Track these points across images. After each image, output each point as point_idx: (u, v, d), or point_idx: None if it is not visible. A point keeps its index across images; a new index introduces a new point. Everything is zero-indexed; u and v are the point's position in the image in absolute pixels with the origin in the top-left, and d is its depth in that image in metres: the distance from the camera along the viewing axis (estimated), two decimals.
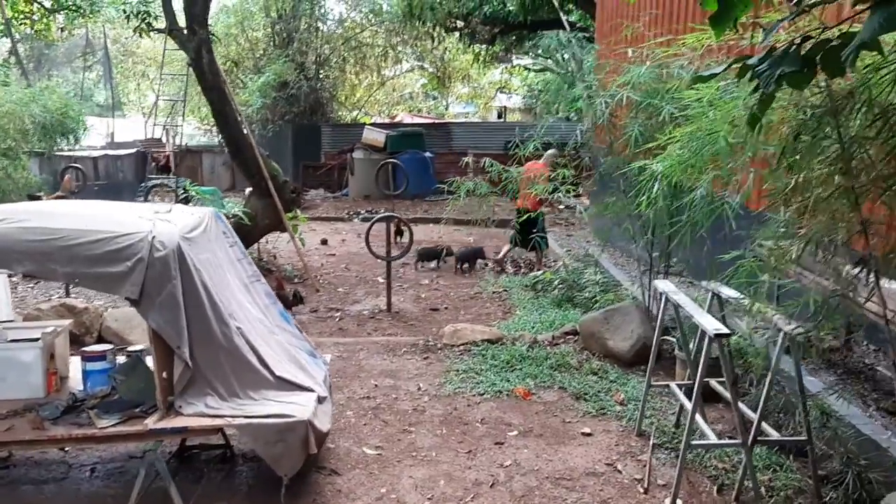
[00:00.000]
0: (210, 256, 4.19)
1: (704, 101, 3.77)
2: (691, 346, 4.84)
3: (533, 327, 7.44)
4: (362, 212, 16.27)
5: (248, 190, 9.88)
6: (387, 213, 8.78)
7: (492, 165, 7.75)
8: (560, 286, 8.36)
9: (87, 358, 4.39)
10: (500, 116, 34.28)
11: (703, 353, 4.04)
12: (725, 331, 3.87)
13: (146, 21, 10.57)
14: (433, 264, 10.66)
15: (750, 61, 2.59)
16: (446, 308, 8.60)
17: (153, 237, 3.85)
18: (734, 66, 2.67)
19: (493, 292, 9.24)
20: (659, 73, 5.95)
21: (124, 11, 10.64)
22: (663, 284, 4.81)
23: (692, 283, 7.86)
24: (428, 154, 18.80)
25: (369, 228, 8.62)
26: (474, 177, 8.54)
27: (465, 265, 10.51)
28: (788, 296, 3.84)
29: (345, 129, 22.41)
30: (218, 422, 3.93)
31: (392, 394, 5.88)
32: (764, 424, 4.30)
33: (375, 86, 28.19)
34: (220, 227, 4.63)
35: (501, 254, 10.53)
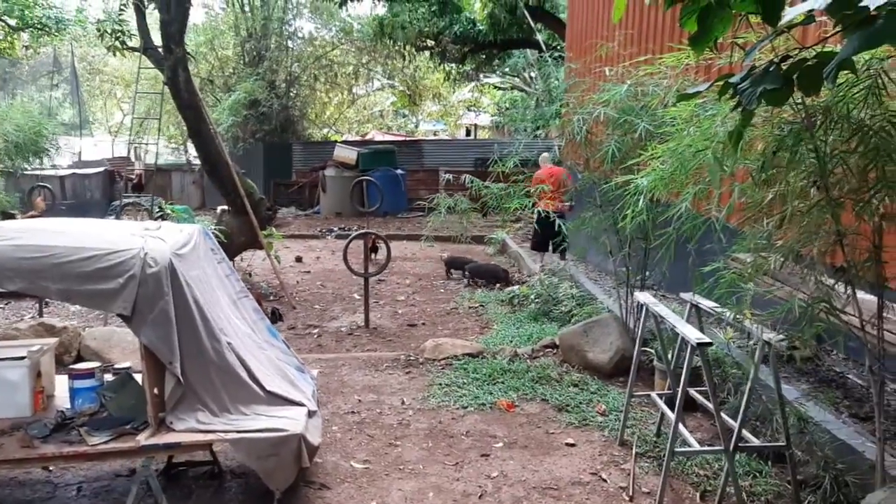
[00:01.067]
0: (200, 273, 4.18)
1: (683, 118, 3.83)
2: (670, 356, 4.88)
3: (511, 341, 7.42)
4: (335, 229, 16.22)
5: (221, 208, 9.80)
6: (363, 230, 8.74)
7: (472, 182, 7.73)
8: (536, 300, 8.36)
9: (74, 376, 4.34)
10: (468, 134, 34.43)
11: (686, 362, 4.10)
12: (707, 340, 3.91)
13: (120, 39, 10.50)
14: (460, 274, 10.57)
15: (732, 79, 2.64)
16: (423, 324, 8.55)
17: (145, 254, 3.85)
18: (717, 83, 2.73)
19: (470, 307, 9.22)
20: (635, 90, 6.01)
21: (98, 30, 10.55)
22: (643, 296, 4.85)
23: (665, 296, 7.88)
24: (399, 171, 18.88)
25: (347, 245, 8.51)
26: (447, 195, 8.53)
27: (480, 281, 10.33)
28: (764, 306, 3.90)
29: (316, 146, 22.42)
30: (210, 437, 3.92)
31: (376, 408, 5.86)
32: (744, 431, 4.37)
33: (346, 104, 28.31)
34: (209, 243, 4.61)
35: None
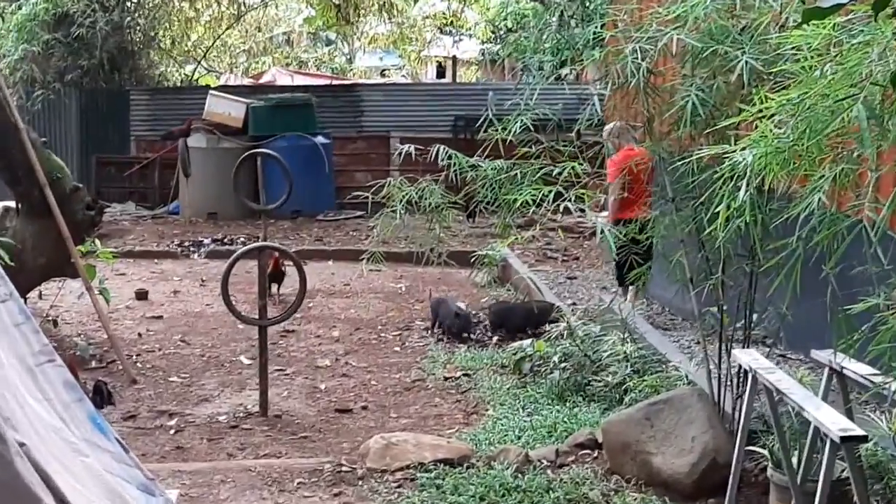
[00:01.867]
0: None
1: (813, 48, 3.13)
2: (796, 459, 4.32)
3: (519, 437, 5.81)
4: (207, 241, 12.50)
5: (4, 205, 8.15)
6: (258, 243, 6.66)
7: (450, 158, 5.53)
8: (563, 365, 6.61)
9: None
10: (441, 74, 25.34)
11: (824, 468, 3.54)
12: (859, 432, 3.45)
13: None
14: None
15: None
16: (365, 408, 6.76)
17: None
18: None
19: (446, 378, 7.25)
20: (731, 1, 4.66)
21: None
22: (748, 357, 4.40)
23: (786, 356, 6.32)
24: (322, 139, 13.97)
25: (229, 270, 6.43)
26: (405, 180, 6.01)
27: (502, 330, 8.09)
28: None
29: (172, 95, 16.69)
30: None
31: None
32: None
33: (226, 21, 20.03)
34: None
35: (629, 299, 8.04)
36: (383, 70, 25.86)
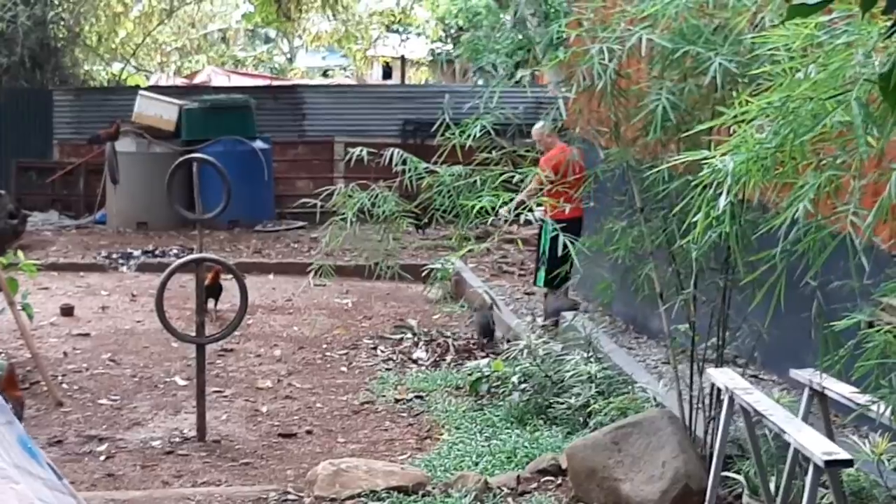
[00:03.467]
0: None
1: (793, 48, 3.06)
2: (774, 485, 4.19)
3: (477, 463, 5.53)
4: (136, 253, 11.90)
5: None
6: (196, 256, 6.34)
7: (405, 162, 5.22)
8: (523, 386, 6.30)
9: None
10: (387, 76, 24.25)
11: (807, 494, 3.39)
12: (843, 456, 3.33)
13: None
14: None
15: None
16: (310, 432, 6.43)
17: None
18: None
19: (397, 400, 6.90)
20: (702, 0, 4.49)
21: None
22: (724, 377, 4.22)
23: (759, 376, 6.10)
24: (261, 144, 13.46)
25: (163, 285, 6.08)
26: (354, 186, 5.62)
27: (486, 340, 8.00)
28: None
29: (99, 96, 15.86)
30: None
31: None
32: None
33: (156, 17, 19.24)
34: None
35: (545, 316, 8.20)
36: (326, 70, 24.88)
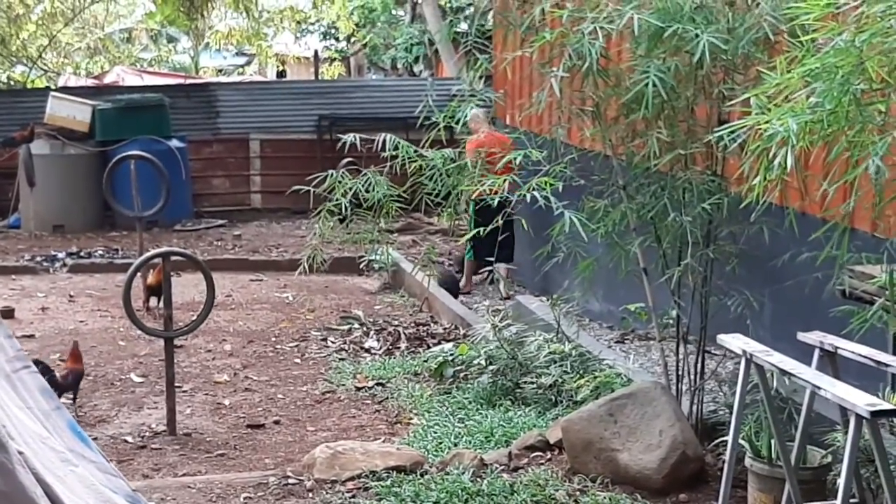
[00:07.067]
0: None
1: (814, 17, 3.10)
2: (791, 443, 4.06)
3: (456, 443, 5.46)
4: (61, 255, 11.30)
5: None
6: (163, 250, 6.14)
7: (396, 147, 5.07)
8: (490, 368, 6.15)
9: None
10: (282, 74, 23.20)
11: (849, 446, 3.25)
12: (886, 406, 3.24)
13: None
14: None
15: None
16: (277, 422, 6.27)
17: None
18: None
19: (357, 388, 6.71)
20: None
21: None
22: (739, 342, 4.02)
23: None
24: (176, 143, 12.89)
25: (129, 282, 5.84)
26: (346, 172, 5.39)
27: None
28: None
29: (8, 98, 14.83)
30: None
31: None
32: None
33: (61, 20, 18.67)
34: None
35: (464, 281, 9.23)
36: (239, 67, 23.91)
